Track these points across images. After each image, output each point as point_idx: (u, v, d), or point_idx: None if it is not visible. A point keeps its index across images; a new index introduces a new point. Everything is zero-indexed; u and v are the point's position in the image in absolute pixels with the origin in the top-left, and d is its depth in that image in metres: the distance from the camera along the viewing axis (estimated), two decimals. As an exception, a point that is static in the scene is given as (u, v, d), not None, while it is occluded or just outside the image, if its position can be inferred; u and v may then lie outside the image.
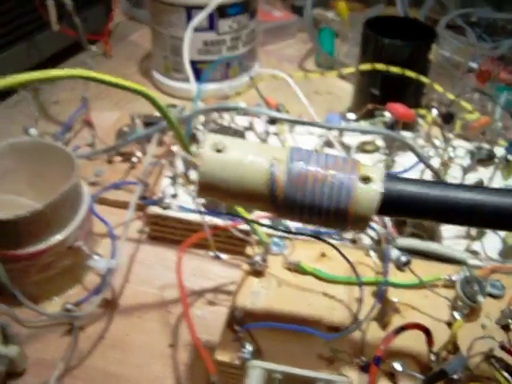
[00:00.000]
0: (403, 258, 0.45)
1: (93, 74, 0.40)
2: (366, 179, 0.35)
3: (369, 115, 0.66)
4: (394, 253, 0.46)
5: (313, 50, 0.97)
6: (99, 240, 0.59)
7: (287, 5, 1.07)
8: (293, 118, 0.52)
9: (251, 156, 0.36)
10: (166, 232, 0.58)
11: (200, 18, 0.75)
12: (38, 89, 0.87)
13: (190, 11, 0.78)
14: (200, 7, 0.77)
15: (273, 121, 0.64)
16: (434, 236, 0.54)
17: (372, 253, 0.50)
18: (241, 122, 0.68)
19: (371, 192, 0.35)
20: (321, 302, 0.47)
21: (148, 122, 0.68)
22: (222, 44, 0.81)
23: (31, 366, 0.48)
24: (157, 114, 0.69)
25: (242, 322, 0.44)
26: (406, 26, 0.77)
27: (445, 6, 0.98)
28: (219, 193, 0.37)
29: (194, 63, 0.81)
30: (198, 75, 0.82)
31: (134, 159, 0.66)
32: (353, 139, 0.64)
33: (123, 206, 0.61)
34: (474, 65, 0.85)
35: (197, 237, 0.49)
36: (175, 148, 0.61)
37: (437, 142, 0.62)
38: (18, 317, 0.51)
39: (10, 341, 0.46)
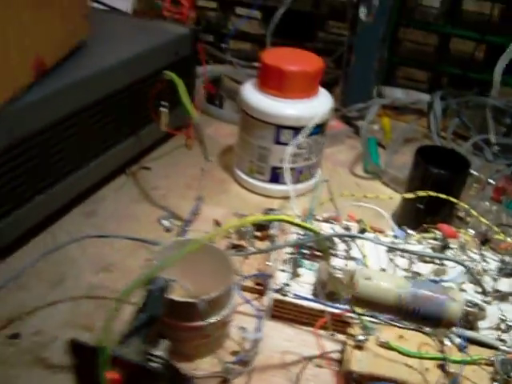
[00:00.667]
0: (463, 344, 0.79)
1: (294, 220, 0.72)
2: (453, 300, 0.69)
3: (421, 229, 1.00)
4: (457, 340, 0.79)
5: (359, 156, 1.32)
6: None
7: (337, 115, 1.43)
8: (382, 242, 0.85)
9: (387, 283, 0.69)
10: (283, 312, 0.90)
11: (299, 139, 1.10)
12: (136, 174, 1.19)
13: (279, 129, 1.12)
14: (288, 127, 1.11)
15: (360, 232, 0.97)
16: (473, 327, 0.87)
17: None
18: (327, 228, 1.01)
19: (457, 308, 0.69)
20: (404, 370, 0.80)
21: (258, 225, 1.00)
22: (299, 156, 1.14)
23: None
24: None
25: (358, 381, 0.77)
26: (446, 154, 1.12)
27: (467, 126, 1.36)
28: (366, 305, 0.70)
29: (275, 168, 1.14)
30: (277, 178, 1.16)
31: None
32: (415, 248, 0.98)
33: (246, 289, 0.94)
34: (491, 181, 1.21)
35: (323, 321, 0.81)
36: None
37: (472, 255, 0.97)
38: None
39: None
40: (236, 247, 1.00)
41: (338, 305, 0.86)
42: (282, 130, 1.11)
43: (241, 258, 0.98)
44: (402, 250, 0.88)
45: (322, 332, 0.88)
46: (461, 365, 0.77)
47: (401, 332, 0.84)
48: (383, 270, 0.94)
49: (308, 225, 0.73)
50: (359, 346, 0.82)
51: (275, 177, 1.16)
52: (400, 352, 0.82)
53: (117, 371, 0.61)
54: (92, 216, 1.09)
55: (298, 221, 0.71)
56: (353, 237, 0.91)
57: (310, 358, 0.86)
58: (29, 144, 0.93)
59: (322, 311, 0.86)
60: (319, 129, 1.14)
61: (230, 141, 1.31)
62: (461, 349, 0.78)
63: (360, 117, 1.38)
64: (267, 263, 0.96)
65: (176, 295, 0.77)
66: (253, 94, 1.14)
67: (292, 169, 1.15)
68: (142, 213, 1.10)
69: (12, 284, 0.92)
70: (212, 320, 0.81)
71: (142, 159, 1.26)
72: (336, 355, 0.86)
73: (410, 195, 1.02)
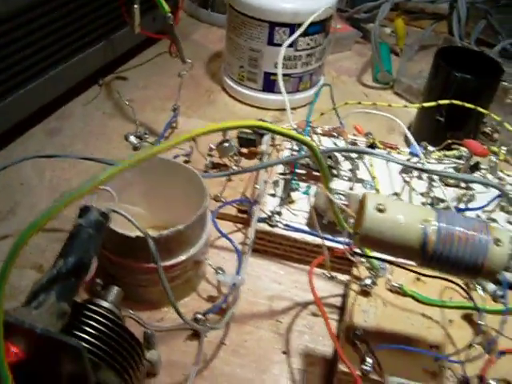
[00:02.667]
0: (499, 292, 0.55)
1: (272, 126, 0.47)
2: (498, 241, 0.45)
3: (444, 146, 0.75)
4: (491, 286, 0.56)
5: (368, 64, 1.05)
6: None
7: (343, 17, 1.14)
8: (394, 158, 0.59)
9: (407, 217, 0.45)
10: (270, 246, 0.67)
11: (293, 37, 0.83)
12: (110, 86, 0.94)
13: (273, 27, 0.85)
14: (283, 24, 0.84)
15: (372, 147, 0.72)
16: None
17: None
18: (328, 143, 0.76)
19: (502, 253, 0.44)
20: (421, 323, 0.57)
21: (242, 137, 0.76)
22: (298, 60, 0.88)
23: (162, 367, 0.56)
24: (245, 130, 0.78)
25: (363, 340, 0.54)
26: (473, 57, 0.85)
27: (494, 30, 1.07)
28: (377, 246, 0.46)
29: (269, 75, 0.89)
30: (272, 87, 0.90)
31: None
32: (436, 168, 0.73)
33: (225, 217, 0.70)
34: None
35: (320, 260, 0.58)
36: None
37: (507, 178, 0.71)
38: (143, 321, 0.59)
39: (153, 346, 0.55)
40: (217, 167, 0.76)
41: (339, 238, 0.63)
42: (277, 29, 0.85)
43: (223, 180, 0.74)
44: (421, 170, 0.63)
45: (318, 272, 0.65)
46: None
47: (417, 274, 0.61)
48: (396, 194, 0.69)
49: (298, 135, 0.48)
50: (365, 292, 0.59)
51: (269, 84, 0.90)
52: (416, 299, 0.59)
53: (17, 343, 0.39)
54: (56, 134, 0.85)
55: (282, 128, 0.46)
56: (358, 152, 0.67)
57: (303, 305, 0.63)
58: None
59: (319, 246, 0.62)
60: (321, 27, 0.87)
61: (221, 47, 1.03)
62: (496, 297, 0.54)
63: (370, 19, 1.09)
64: (255, 186, 0.72)
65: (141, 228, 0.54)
66: (241, -14, 0.87)
67: (288, 75, 0.89)
68: (113, 130, 0.86)
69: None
70: (177, 259, 0.58)
71: (118, 68, 1.00)
72: (337, 301, 0.63)
73: (429, 104, 0.77)
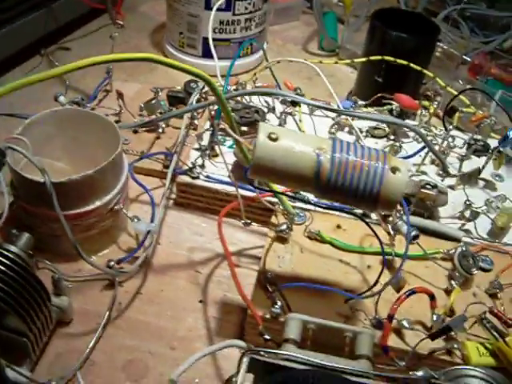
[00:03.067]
0: (414, 233, 0.53)
1: (160, 58, 0.45)
2: (395, 170, 0.43)
3: (376, 103, 0.73)
4: (404, 228, 0.54)
5: (315, 33, 1.03)
6: (130, 203, 0.65)
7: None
8: (318, 103, 0.57)
9: (300, 145, 0.43)
10: (193, 199, 0.65)
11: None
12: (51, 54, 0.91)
13: (209, -10, 0.83)
14: (219, -13, 0.82)
15: (293, 103, 0.70)
16: (432, 215, 0.62)
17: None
18: (257, 101, 0.74)
19: (399, 180, 0.43)
20: (338, 268, 0.55)
21: (171, 96, 0.74)
22: (236, 24, 0.86)
23: (76, 316, 0.54)
24: (178, 87, 0.76)
25: (273, 283, 0.52)
26: (410, 19, 0.84)
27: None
28: (270, 175, 0.44)
29: (208, 40, 0.86)
30: (211, 52, 0.88)
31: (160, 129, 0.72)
32: (363, 124, 0.71)
33: (151, 173, 0.68)
34: (467, 58, 0.93)
35: (231, 206, 0.55)
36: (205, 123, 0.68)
37: (436, 132, 0.70)
38: (59, 271, 0.57)
39: (62, 292, 0.53)
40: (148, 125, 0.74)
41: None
42: (213, -9, 0.83)
43: (152, 137, 0.72)
44: (342, 113, 0.60)
45: (240, 224, 0.63)
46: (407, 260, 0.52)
47: (338, 221, 0.59)
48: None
49: (193, 68, 0.46)
50: (282, 238, 0.57)
51: (209, 50, 0.87)
52: (335, 245, 0.57)
53: None
54: (-8, 100, 0.82)
55: (174, 61, 0.44)
56: (270, 94, 0.64)
57: (224, 256, 0.61)
58: None
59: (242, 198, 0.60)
60: (259, -11, 0.85)
61: (167, 18, 1.01)
62: (409, 240, 0.52)
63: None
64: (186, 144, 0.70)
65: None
66: None
67: (227, 40, 0.87)
68: (49, 95, 0.83)
69: None
70: (90, 206, 0.56)
71: (62, 39, 0.97)
72: (259, 252, 0.61)
73: (360, 60, 0.75)
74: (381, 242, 0.49)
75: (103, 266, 0.56)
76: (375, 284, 0.50)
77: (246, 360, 0.39)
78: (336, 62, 0.77)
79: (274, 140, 0.43)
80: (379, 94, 0.71)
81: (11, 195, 0.57)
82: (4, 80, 0.86)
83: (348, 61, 0.80)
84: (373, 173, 0.42)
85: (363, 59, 0.74)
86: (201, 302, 0.57)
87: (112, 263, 0.56)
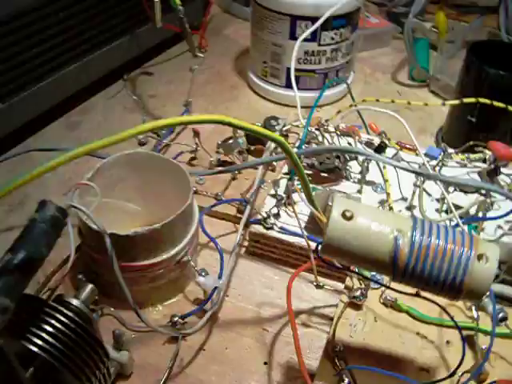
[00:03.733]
0: (501, 315, 0.48)
1: (232, 120, 0.43)
2: (482, 257, 0.39)
3: (468, 148, 0.68)
4: (490, 308, 0.49)
5: (406, 60, 0.98)
6: (200, 249, 0.64)
7: (382, 11, 1.08)
8: (397, 163, 0.53)
9: (377, 226, 0.39)
10: (266, 250, 0.63)
11: (310, 30, 0.78)
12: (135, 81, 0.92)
13: (295, 21, 0.80)
14: (305, 18, 0.79)
15: (378, 149, 0.66)
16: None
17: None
18: (342, 143, 0.71)
19: (487, 271, 0.38)
20: (414, 342, 0.51)
21: (249, 134, 0.72)
22: (322, 55, 0.83)
23: (136, 370, 0.53)
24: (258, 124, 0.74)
25: (342, 356, 0.49)
26: (509, 51, 0.78)
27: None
28: (343, 256, 0.41)
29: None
30: (296, 83, 0.85)
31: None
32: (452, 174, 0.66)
33: (224, 217, 0.67)
34: None
35: (304, 268, 0.53)
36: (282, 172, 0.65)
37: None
38: (124, 320, 0.56)
39: (122, 347, 0.52)
40: (224, 164, 0.72)
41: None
42: (298, 22, 0.80)
43: (228, 178, 0.71)
44: (423, 175, 0.56)
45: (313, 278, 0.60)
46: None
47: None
48: (405, 199, 0.63)
49: (266, 131, 0.43)
50: (355, 305, 0.53)
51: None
52: (412, 315, 0.53)
53: None
54: (76, 128, 0.84)
55: (246, 123, 0.42)
56: (346, 151, 0.61)
57: (294, 314, 0.58)
58: None
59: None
60: (346, 20, 0.82)
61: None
62: (495, 322, 0.47)
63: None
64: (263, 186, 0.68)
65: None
66: (263, -22, 0.83)
67: (312, 71, 0.84)
68: (133, 124, 0.83)
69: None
70: (156, 259, 0.55)
71: (145, 64, 0.98)
72: (331, 311, 0.58)
73: (454, 102, 0.70)
74: (457, 325, 0.44)
75: (161, 318, 0.55)
76: (453, 374, 0.46)
77: None
78: (426, 104, 0.72)
79: (349, 218, 0.40)
80: (471, 143, 0.66)
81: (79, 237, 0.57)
82: (88, 105, 0.88)
83: (438, 103, 0.75)
84: (456, 261, 0.38)
85: (456, 102, 0.69)
86: (265, 363, 0.55)
87: (176, 319, 0.55)
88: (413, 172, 0.51)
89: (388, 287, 0.46)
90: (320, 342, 0.53)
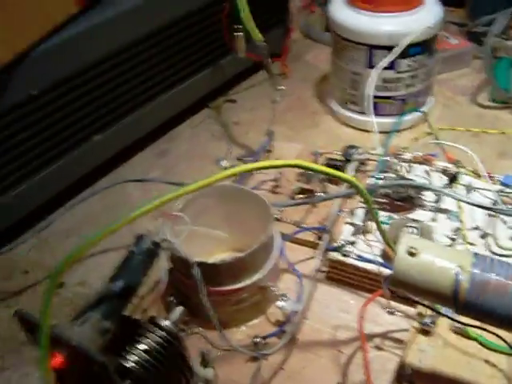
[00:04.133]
0: None
1: (309, 164, 0.48)
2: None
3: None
4: None
5: (488, 81, 0.99)
6: (282, 274, 0.69)
7: (463, 32, 1.09)
8: (466, 199, 0.57)
9: (439, 261, 0.44)
10: (343, 276, 0.67)
11: (386, 60, 0.82)
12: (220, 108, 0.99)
13: (372, 50, 0.85)
14: (381, 47, 0.84)
15: (452, 179, 0.69)
16: None
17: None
18: (418, 171, 0.75)
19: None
20: (482, 370, 0.54)
21: (329, 164, 0.77)
22: (399, 82, 0.87)
23: (220, 386, 0.60)
24: (336, 156, 0.79)
25: (410, 379, 0.53)
26: None
27: None
28: (408, 289, 0.45)
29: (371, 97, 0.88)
30: (375, 109, 0.89)
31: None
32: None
33: (305, 243, 0.72)
34: None
35: (377, 295, 0.57)
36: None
37: None
38: (210, 339, 0.63)
39: (208, 365, 0.58)
40: (305, 192, 0.77)
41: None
42: (375, 52, 0.84)
43: (308, 205, 0.76)
44: (490, 209, 0.59)
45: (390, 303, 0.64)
46: None
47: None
48: (477, 228, 0.66)
49: (339, 173, 0.48)
50: (426, 331, 0.57)
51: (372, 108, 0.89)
52: (482, 343, 0.56)
53: (60, 353, 0.44)
54: (164, 156, 0.92)
55: (320, 166, 0.46)
56: (415, 187, 0.64)
57: (368, 337, 0.63)
58: (90, 75, 0.78)
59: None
60: (422, 47, 0.85)
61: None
62: None
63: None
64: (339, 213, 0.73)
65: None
66: (341, 10, 0.88)
67: (391, 97, 0.88)
68: (217, 151, 0.90)
69: (64, 231, 0.79)
70: (240, 284, 0.61)
71: (229, 91, 1.05)
72: (403, 335, 0.62)
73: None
74: None
75: (244, 338, 0.61)
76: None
77: None
78: (503, 132, 0.74)
79: (414, 255, 0.44)
80: (548, 171, 0.68)
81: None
82: (175, 133, 0.96)
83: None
84: (517, 297, 0.42)
85: None
86: (339, 384, 0.59)
87: (258, 339, 0.61)
88: (480, 207, 0.54)
89: (453, 319, 0.50)
90: (392, 365, 0.57)
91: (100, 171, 0.87)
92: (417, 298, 0.47)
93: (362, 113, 0.91)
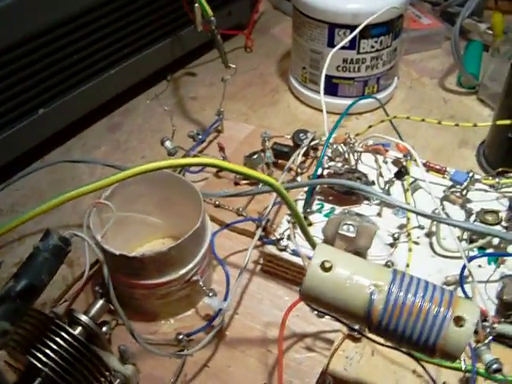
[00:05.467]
0: (495, 366, 0.47)
1: (224, 164, 0.43)
2: (459, 320, 0.38)
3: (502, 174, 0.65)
4: (487, 357, 0.48)
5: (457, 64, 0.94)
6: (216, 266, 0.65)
7: (437, 11, 1.03)
8: (407, 206, 0.53)
9: (355, 279, 0.39)
10: (279, 270, 0.63)
11: (346, 40, 0.77)
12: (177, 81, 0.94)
13: (333, 28, 0.79)
14: (343, 26, 0.78)
15: (398, 175, 0.65)
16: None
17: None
18: (369, 161, 0.70)
19: (462, 335, 0.38)
20: (409, 380, 0.51)
21: (277, 150, 0.72)
22: (361, 63, 0.82)
23: (143, 380, 0.56)
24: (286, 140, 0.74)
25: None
26: None
27: None
28: (319, 305, 0.41)
29: (330, 78, 0.83)
30: (335, 90, 0.84)
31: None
32: (476, 204, 0.64)
33: (243, 232, 0.68)
34: None
35: (298, 302, 0.53)
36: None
37: None
38: (135, 332, 0.59)
39: (127, 361, 0.55)
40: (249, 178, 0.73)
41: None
42: (337, 30, 0.79)
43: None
44: (433, 219, 0.55)
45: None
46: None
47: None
48: (422, 227, 0.62)
49: (257, 173, 0.43)
50: (354, 337, 0.54)
51: (331, 87, 0.84)
52: (410, 353, 0.52)
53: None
54: (116, 129, 0.87)
55: (237, 166, 0.42)
56: (344, 186, 0.59)
57: (300, 337, 0.59)
58: (43, 39, 0.73)
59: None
60: (387, 28, 0.79)
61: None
62: (492, 369, 0.46)
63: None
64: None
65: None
66: (302, -16, 0.82)
67: (351, 78, 0.83)
68: (171, 127, 0.85)
69: (9, 206, 0.76)
70: (165, 278, 0.57)
71: (189, 64, 0.99)
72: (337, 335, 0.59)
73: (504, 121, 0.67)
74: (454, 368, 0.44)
75: (171, 331, 0.58)
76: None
77: None
78: (457, 125, 0.69)
79: (327, 270, 0.40)
80: (500, 169, 0.63)
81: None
82: (130, 106, 0.91)
83: (486, 123, 0.71)
84: (430, 322, 0.38)
85: (508, 121, 0.66)
86: (265, 384, 0.56)
87: (181, 336, 0.57)
88: (419, 214, 0.50)
89: (366, 337, 0.46)
90: (320, 368, 0.54)
91: (49, 144, 0.82)
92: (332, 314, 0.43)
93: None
